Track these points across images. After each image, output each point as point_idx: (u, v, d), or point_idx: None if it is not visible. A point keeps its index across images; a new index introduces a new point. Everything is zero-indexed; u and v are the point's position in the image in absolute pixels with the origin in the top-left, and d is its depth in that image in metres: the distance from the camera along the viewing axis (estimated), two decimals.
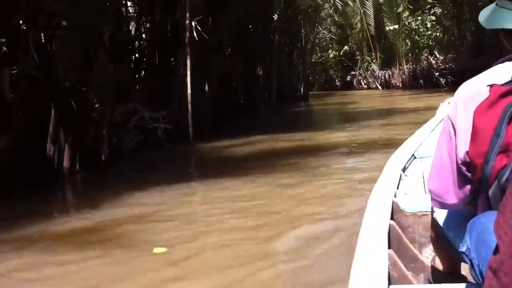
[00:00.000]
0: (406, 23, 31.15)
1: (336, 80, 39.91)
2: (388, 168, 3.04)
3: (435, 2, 28.70)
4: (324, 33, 38.15)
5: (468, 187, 1.53)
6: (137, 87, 11.03)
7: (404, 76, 33.25)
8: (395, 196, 2.45)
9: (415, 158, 3.39)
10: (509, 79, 1.41)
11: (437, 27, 30.50)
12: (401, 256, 1.91)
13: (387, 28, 31.51)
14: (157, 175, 7.80)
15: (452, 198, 1.57)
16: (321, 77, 40.79)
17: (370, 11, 33.79)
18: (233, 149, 10.30)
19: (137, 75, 12.65)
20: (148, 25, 13.08)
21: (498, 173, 1.36)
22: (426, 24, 30.82)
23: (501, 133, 1.34)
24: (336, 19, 36.75)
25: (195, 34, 10.72)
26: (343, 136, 11.92)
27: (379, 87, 35.13)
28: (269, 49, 20.30)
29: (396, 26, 30.96)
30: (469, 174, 1.49)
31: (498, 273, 1.03)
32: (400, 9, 30.64)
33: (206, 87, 13.33)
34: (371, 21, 33.97)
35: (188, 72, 10.59)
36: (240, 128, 13.43)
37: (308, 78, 29.50)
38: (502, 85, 1.40)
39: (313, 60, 39.57)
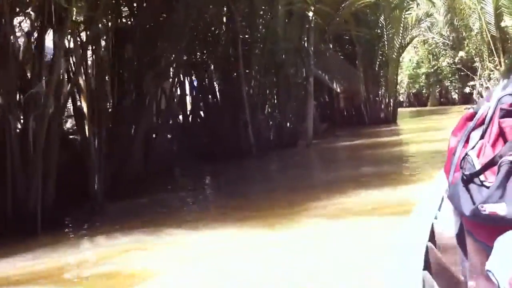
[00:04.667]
0: None
1: (453, 93, 33.15)
2: (431, 189, 2.92)
3: None
4: (434, 37, 31.81)
5: None
6: None
7: None
8: (435, 218, 2.38)
9: None
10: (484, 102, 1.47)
11: None
12: (440, 279, 1.91)
13: (502, 24, 24.86)
14: None
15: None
16: (435, 89, 34.26)
17: (489, 7, 27.29)
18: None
19: None
20: None
21: None
22: None
23: (457, 152, 1.43)
24: (439, 18, 30.28)
25: None
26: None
27: None
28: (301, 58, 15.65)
29: None
30: None
31: None
32: None
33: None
34: (491, 19, 27.46)
35: None
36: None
37: (395, 95, 23.86)
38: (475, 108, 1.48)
39: (424, 71, 33.64)
